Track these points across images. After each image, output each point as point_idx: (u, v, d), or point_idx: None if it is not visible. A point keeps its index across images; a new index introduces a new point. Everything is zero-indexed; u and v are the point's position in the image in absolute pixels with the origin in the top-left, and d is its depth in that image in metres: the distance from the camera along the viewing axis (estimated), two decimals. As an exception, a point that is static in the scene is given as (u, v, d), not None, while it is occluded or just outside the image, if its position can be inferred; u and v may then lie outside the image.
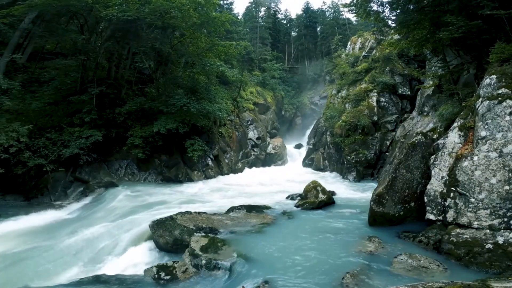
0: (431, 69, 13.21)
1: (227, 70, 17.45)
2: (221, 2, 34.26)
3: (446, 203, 6.23)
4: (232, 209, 9.26)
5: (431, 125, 11.09)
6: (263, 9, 44.00)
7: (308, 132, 27.40)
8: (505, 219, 5.41)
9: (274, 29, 43.36)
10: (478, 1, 7.61)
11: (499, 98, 6.03)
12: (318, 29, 46.40)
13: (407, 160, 7.63)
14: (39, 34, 13.68)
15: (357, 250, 6.08)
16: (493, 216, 5.53)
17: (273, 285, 4.84)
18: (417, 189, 7.40)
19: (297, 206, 9.96)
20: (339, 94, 20.49)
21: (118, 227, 8.07)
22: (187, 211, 8.27)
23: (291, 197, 11.32)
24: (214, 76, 18.84)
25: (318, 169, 20.06)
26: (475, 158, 5.98)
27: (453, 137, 6.82)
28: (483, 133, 6.07)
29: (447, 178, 6.38)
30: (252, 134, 23.11)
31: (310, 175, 17.45)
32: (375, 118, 16.70)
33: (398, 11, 10.67)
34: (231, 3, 38.83)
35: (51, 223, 9.11)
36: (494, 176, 5.66)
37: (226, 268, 5.67)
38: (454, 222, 6.01)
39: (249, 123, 23.55)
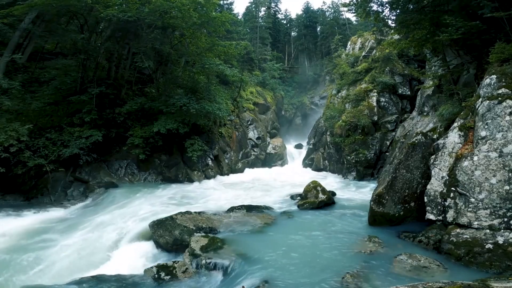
0: (431, 69, 13.20)
1: (227, 69, 17.44)
2: (221, 2, 34.25)
3: (446, 203, 6.23)
4: (232, 209, 9.26)
5: (431, 125, 11.09)
6: (263, 9, 43.99)
7: (308, 132, 27.40)
8: (505, 219, 5.41)
9: (274, 29, 43.36)
10: (478, 1, 7.61)
11: (499, 98, 6.03)
12: (318, 29, 46.40)
13: (407, 160, 7.64)
14: (39, 34, 13.68)
15: (357, 250, 6.08)
16: (493, 216, 5.53)
17: (273, 284, 4.84)
18: (417, 189, 7.40)
19: (297, 206, 9.96)
20: (339, 94, 20.49)
21: (118, 227, 8.08)
22: (187, 211, 8.27)
23: (291, 197, 11.32)
24: (214, 76, 18.83)
25: (318, 169, 20.06)
26: (475, 158, 5.98)
27: (453, 137, 6.83)
28: (483, 133, 6.07)
29: (447, 178, 6.38)
30: (252, 134, 23.11)
31: (310, 175, 17.45)
32: (375, 118, 16.69)
33: (398, 11, 10.66)
34: (231, 3, 38.83)
35: (51, 223, 9.10)
36: (494, 176, 5.67)
37: (226, 268, 5.67)
38: (454, 222, 6.01)
39: (249, 123, 23.54)
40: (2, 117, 10.93)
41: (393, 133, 16.28)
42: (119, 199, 10.97)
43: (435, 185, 6.55)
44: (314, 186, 10.45)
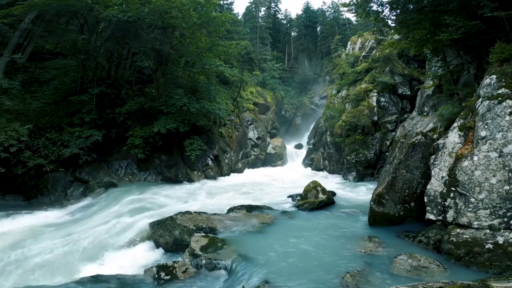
0: (431, 69, 13.20)
1: (227, 70, 17.45)
2: (221, 2, 34.26)
3: (446, 203, 6.23)
4: (232, 209, 9.26)
5: (431, 125, 11.09)
6: (263, 9, 44.03)
7: (308, 132, 27.40)
8: (505, 219, 5.41)
9: (274, 29, 43.38)
10: (478, 1, 7.61)
11: (499, 98, 6.03)
12: (318, 29, 46.40)
13: (407, 160, 7.64)
14: (39, 34, 13.67)
15: (357, 250, 6.08)
16: (493, 216, 5.53)
17: (273, 285, 4.84)
18: (417, 189, 7.40)
19: (297, 206, 9.96)
20: (339, 94, 20.49)
21: (118, 227, 8.07)
22: (187, 211, 8.27)
23: (291, 197, 11.31)
24: (214, 76, 18.84)
25: (318, 169, 20.06)
26: (475, 158, 5.98)
27: (453, 137, 6.83)
28: (483, 133, 6.07)
29: (447, 178, 6.38)
30: (252, 134, 23.11)
31: (310, 175, 17.45)
32: (375, 118, 16.69)
33: (398, 11, 10.66)
34: (231, 3, 38.84)
35: (51, 223, 9.11)
36: (494, 176, 5.66)
37: (226, 268, 5.67)
38: (454, 222, 6.01)
39: (249, 123, 23.54)
40: (2, 117, 10.93)
41: (393, 133, 16.28)
42: (119, 199, 10.96)
43: (435, 185, 6.55)
44: (314, 186, 10.45)
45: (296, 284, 4.88)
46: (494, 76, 6.48)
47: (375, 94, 17.33)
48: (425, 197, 6.68)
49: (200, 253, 6.08)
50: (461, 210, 5.94)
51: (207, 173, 16.23)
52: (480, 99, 6.53)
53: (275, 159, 23.65)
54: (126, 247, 7.20)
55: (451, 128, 7.26)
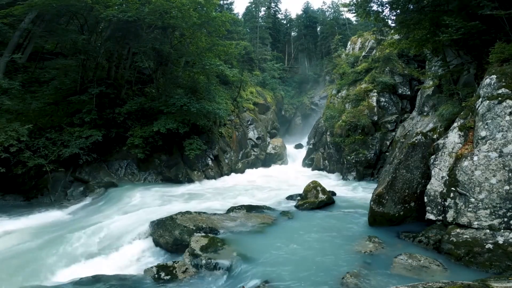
0: (431, 69, 13.21)
1: (227, 70, 17.46)
2: (221, 2, 34.26)
3: (446, 203, 6.23)
4: (232, 209, 9.26)
5: (431, 125, 11.09)
6: (263, 9, 44.03)
7: (308, 132, 27.40)
8: (505, 219, 5.41)
9: (274, 29, 43.39)
10: (478, 1, 7.61)
11: (499, 98, 6.03)
12: (318, 29, 46.40)
13: (407, 160, 7.63)
14: (39, 34, 13.66)
15: (357, 250, 6.08)
16: (493, 216, 5.53)
17: (273, 284, 4.84)
18: (417, 189, 7.40)
19: (297, 206, 9.95)
20: (339, 94, 20.49)
21: (118, 227, 8.06)
22: (187, 211, 8.28)
23: (291, 197, 11.31)
24: (214, 76, 18.85)
25: (318, 169, 20.06)
26: (475, 158, 5.98)
27: (453, 137, 6.83)
28: (483, 133, 6.07)
29: (447, 178, 6.38)
30: (252, 134, 23.11)
31: (310, 175, 17.46)
32: (375, 118, 16.69)
33: (398, 11, 10.66)
34: (231, 3, 38.85)
35: (51, 223, 9.10)
36: (494, 176, 5.66)
37: (226, 268, 5.67)
38: (454, 222, 6.01)
39: (249, 123, 23.54)
40: (2, 117, 10.92)
41: (393, 133, 16.28)
42: (119, 199, 10.97)
43: (435, 185, 6.55)
44: (314, 186, 10.44)
45: (296, 283, 4.88)
46: (494, 76, 6.48)
47: (375, 94, 17.33)
48: (425, 197, 6.68)
49: (200, 253, 6.08)
50: (461, 210, 5.94)
51: (207, 173, 16.23)
52: (480, 99, 6.53)
53: (275, 159, 23.66)
54: (126, 247, 7.20)
55: (451, 128, 7.26)
